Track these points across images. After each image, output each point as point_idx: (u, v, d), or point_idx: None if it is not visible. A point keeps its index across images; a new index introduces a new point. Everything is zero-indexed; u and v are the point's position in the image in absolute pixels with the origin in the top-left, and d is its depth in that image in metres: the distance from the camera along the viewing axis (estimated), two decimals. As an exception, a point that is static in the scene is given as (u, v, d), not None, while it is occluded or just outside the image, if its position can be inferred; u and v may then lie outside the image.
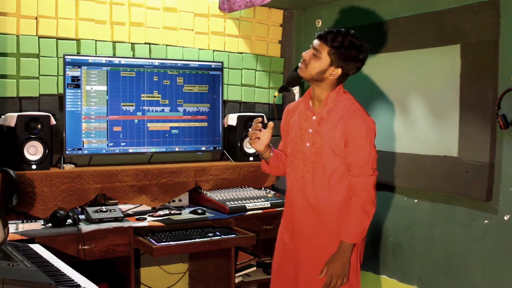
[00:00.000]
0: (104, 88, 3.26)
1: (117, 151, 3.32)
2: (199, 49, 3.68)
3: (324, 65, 2.34)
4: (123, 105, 3.33)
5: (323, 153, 2.37)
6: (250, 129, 2.46)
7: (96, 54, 3.30)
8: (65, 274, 2.00)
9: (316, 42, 2.36)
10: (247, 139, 3.60)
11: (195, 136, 3.57)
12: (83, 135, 3.21)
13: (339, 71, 2.36)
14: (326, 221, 2.39)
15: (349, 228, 2.33)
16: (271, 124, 2.43)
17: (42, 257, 2.25)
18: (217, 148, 3.66)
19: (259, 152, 2.52)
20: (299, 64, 2.41)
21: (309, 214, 2.42)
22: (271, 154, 2.53)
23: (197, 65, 3.55)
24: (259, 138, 2.44)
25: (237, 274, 3.30)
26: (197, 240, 2.98)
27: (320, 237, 2.40)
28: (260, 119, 2.40)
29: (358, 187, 2.33)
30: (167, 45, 3.56)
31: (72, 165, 3.17)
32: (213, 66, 3.61)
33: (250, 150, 3.63)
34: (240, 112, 3.84)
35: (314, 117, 2.42)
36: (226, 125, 3.71)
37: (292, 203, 2.49)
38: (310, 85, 2.45)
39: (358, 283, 2.45)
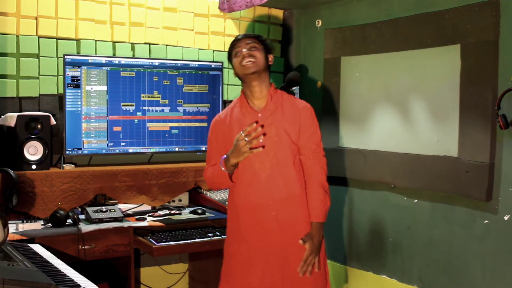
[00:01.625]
0: (104, 88, 3.26)
1: (117, 151, 3.32)
2: (199, 49, 3.68)
3: (264, 52, 2.46)
4: (123, 105, 3.33)
5: (282, 143, 2.42)
6: (246, 138, 2.29)
7: (96, 54, 3.30)
8: (65, 274, 2.00)
9: (242, 40, 2.46)
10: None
11: (195, 136, 3.57)
12: (83, 135, 3.21)
13: (272, 56, 2.51)
14: (292, 213, 2.42)
15: (318, 209, 2.44)
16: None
17: (42, 257, 2.25)
18: (217, 148, 3.66)
19: (234, 165, 2.38)
20: (243, 62, 2.41)
21: (274, 211, 2.41)
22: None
23: (197, 65, 3.55)
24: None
25: (237, 274, 3.30)
26: (197, 240, 2.98)
27: (293, 229, 2.43)
28: (255, 124, 2.31)
29: (316, 168, 2.47)
30: (167, 45, 3.56)
31: (72, 165, 3.17)
32: (213, 66, 3.61)
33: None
34: (240, 112, 3.83)
35: (260, 114, 2.45)
36: (226, 125, 3.71)
37: (253, 205, 2.43)
38: (246, 85, 2.47)
39: (327, 266, 2.55)
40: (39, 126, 2.98)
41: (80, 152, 3.21)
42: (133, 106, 3.36)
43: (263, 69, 2.45)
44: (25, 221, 2.81)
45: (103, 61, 3.26)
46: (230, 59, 2.52)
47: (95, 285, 1.91)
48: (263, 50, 2.46)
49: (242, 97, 2.52)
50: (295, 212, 2.44)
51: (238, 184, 2.47)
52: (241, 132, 2.30)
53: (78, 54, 3.25)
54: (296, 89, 3.57)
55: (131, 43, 3.44)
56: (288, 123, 2.44)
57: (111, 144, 3.30)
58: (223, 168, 2.40)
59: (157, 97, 3.43)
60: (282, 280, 2.43)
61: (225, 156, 2.40)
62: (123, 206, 3.20)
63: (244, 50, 2.43)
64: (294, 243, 2.41)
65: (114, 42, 3.38)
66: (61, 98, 3.20)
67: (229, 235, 2.57)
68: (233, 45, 2.49)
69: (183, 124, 3.53)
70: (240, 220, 2.48)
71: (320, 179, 2.46)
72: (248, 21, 3.86)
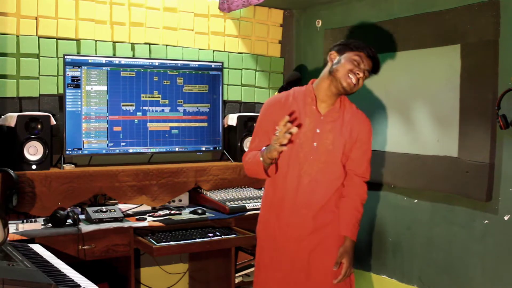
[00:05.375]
0: (104, 88, 3.26)
1: (117, 151, 3.32)
2: (199, 49, 3.68)
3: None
4: (123, 105, 3.33)
5: (335, 152, 2.37)
6: (277, 133, 2.13)
7: (96, 54, 3.30)
8: (65, 274, 2.00)
9: (367, 60, 2.33)
10: (247, 139, 3.61)
11: (195, 136, 3.57)
12: (83, 135, 3.21)
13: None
14: (326, 220, 2.40)
15: (354, 227, 2.43)
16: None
17: (42, 257, 2.24)
18: (217, 148, 3.66)
19: (272, 160, 2.26)
20: (352, 81, 2.29)
21: (310, 214, 2.39)
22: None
23: (197, 65, 3.55)
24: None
25: (237, 274, 3.30)
26: (197, 240, 2.98)
27: (323, 235, 2.41)
28: (288, 117, 2.14)
29: (361, 188, 2.48)
30: (167, 45, 3.56)
31: (72, 165, 3.17)
32: (213, 66, 3.61)
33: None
34: (240, 112, 3.84)
35: (322, 118, 2.38)
36: (226, 125, 3.71)
37: (291, 205, 2.39)
38: (329, 89, 2.35)
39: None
40: (39, 126, 2.98)
41: (80, 152, 3.21)
42: (133, 106, 3.36)
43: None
44: (25, 221, 2.81)
45: (103, 61, 3.26)
46: (342, 52, 2.35)
47: (95, 285, 1.91)
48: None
49: (311, 92, 2.40)
50: (325, 218, 2.41)
51: (278, 181, 2.41)
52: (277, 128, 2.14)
53: (78, 54, 3.25)
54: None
55: (131, 43, 3.44)
56: (346, 134, 2.39)
57: (111, 144, 3.30)
58: (261, 158, 2.28)
59: (157, 97, 3.43)
60: (306, 283, 2.42)
61: (264, 147, 2.29)
62: (123, 206, 3.20)
63: (360, 74, 2.31)
64: (320, 247, 2.40)
65: (114, 42, 3.38)
66: (61, 98, 3.20)
67: (260, 227, 2.53)
68: (361, 53, 2.32)
69: (183, 124, 3.53)
70: (272, 217, 2.46)
71: (360, 202, 2.46)
72: (248, 21, 3.86)
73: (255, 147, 2.43)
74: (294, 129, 2.12)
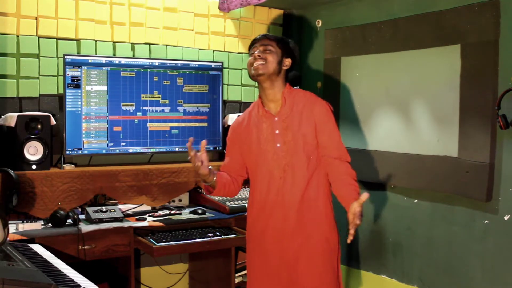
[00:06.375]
0: (104, 88, 3.26)
1: (117, 151, 3.32)
2: (199, 49, 3.68)
3: (279, 56, 2.43)
4: (123, 105, 3.33)
5: (298, 147, 2.41)
6: (189, 157, 2.28)
7: (96, 54, 3.30)
8: (65, 274, 2.00)
9: (259, 41, 2.44)
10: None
11: (195, 136, 3.56)
12: (83, 135, 3.21)
13: (289, 60, 2.46)
14: (306, 216, 2.41)
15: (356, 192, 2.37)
16: (204, 142, 2.34)
17: (42, 257, 2.25)
18: (217, 148, 3.66)
19: (203, 177, 2.38)
20: (254, 64, 2.40)
21: (290, 213, 2.41)
22: (215, 177, 2.43)
23: (197, 65, 3.55)
24: (202, 161, 2.31)
25: (237, 274, 3.30)
26: (197, 240, 2.98)
27: (306, 232, 2.42)
28: (192, 138, 2.29)
29: (344, 167, 2.43)
30: (167, 45, 3.56)
31: (72, 165, 3.17)
32: (213, 66, 3.61)
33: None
34: (240, 112, 3.84)
35: (276, 118, 2.44)
36: (226, 125, 3.71)
37: (270, 208, 2.44)
38: (260, 87, 2.46)
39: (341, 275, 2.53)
40: (39, 126, 2.98)
41: (80, 152, 3.21)
42: (133, 106, 3.36)
43: (274, 72, 2.41)
44: (25, 221, 2.81)
45: (103, 61, 3.26)
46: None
47: (95, 285, 1.91)
48: (279, 54, 2.42)
49: (258, 101, 2.51)
50: (308, 214, 2.42)
51: (257, 190, 2.49)
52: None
53: (78, 54, 3.25)
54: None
55: (131, 43, 3.44)
56: (304, 124, 2.42)
57: (111, 144, 3.30)
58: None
59: (157, 97, 3.43)
60: (293, 283, 2.42)
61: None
62: (123, 206, 3.20)
63: (257, 52, 2.41)
64: (305, 245, 2.42)
65: (114, 42, 3.38)
66: (61, 98, 3.20)
67: (247, 229, 2.61)
68: (251, 44, 2.48)
69: (183, 124, 3.53)
70: (254, 220, 2.53)
71: (351, 174, 2.41)
72: (248, 21, 3.86)
73: (226, 165, 2.61)
74: (193, 152, 2.27)
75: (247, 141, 2.50)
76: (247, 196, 3.43)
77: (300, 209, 2.41)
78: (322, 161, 2.45)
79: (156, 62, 3.42)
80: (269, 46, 2.42)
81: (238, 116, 2.66)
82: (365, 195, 2.27)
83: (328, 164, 2.44)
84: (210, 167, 2.38)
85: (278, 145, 2.42)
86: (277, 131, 2.43)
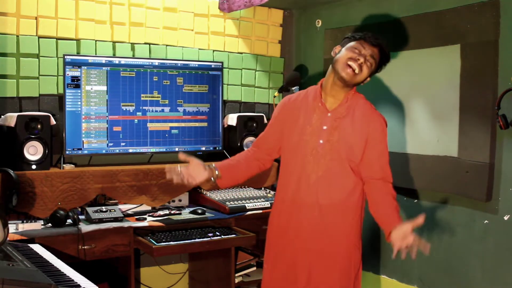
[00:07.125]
0: (104, 88, 3.26)
1: (117, 151, 3.32)
2: (199, 49, 3.68)
3: (372, 71, 2.32)
4: (123, 105, 3.33)
5: (340, 150, 2.30)
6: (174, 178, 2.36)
7: (96, 54, 3.30)
8: (65, 274, 2.00)
9: (369, 45, 2.28)
10: (247, 139, 3.61)
11: (195, 136, 3.57)
12: (83, 135, 3.21)
13: (369, 78, 2.36)
14: (333, 221, 2.33)
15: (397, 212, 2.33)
16: (181, 155, 2.36)
17: (42, 257, 2.25)
18: (217, 148, 3.66)
19: (202, 182, 2.38)
20: (351, 66, 2.25)
21: (316, 214, 2.33)
22: (217, 172, 2.40)
23: (197, 65, 3.55)
24: (191, 176, 2.34)
25: (237, 274, 3.30)
26: (197, 240, 2.98)
27: (329, 238, 2.35)
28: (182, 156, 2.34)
29: (386, 188, 2.36)
30: (167, 45, 3.56)
31: (72, 165, 3.17)
32: (213, 66, 3.61)
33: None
34: (240, 112, 3.84)
35: (329, 114, 2.34)
36: (226, 125, 3.71)
37: (297, 203, 2.36)
38: (332, 80, 2.33)
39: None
40: (39, 126, 2.98)
41: (80, 152, 3.21)
42: (133, 106, 3.36)
43: (356, 83, 2.32)
44: (25, 221, 2.80)
45: (103, 61, 3.26)
46: (345, 44, 2.33)
47: (95, 285, 1.91)
48: (373, 68, 2.31)
49: (319, 89, 2.39)
50: (335, 220, 2.34)
51: (286, 179, 2.41)
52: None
53: (78, 54, 3.25)
54: (296, 89, 3.57)
55: (131, 43, 3.44)
56: (356, 134, 2.31)
57: (111, 144, 3.30)
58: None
59: (157, 97, 3.43)
60: (307, 284, 2.37)
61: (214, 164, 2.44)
62: (123, 206, 3.20)
63: (361, 59, 2.26)
64: (325, 250, 2.34)
65: (114, 42, 3.38)
66: (61, 98, 3.20)
67: (270, 222, 2.53)
68: (360, 39, 2.30)
69: (183, 124, 3.53)
70: (280, 214, 2.44)
71: (392, 194, 2.34)
72: (248, 21, 3.86)
73: (260, 139, 2.57)
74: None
75: (291, 125, 2.39)
76: (247, 196, 3.44)
77: (332, 214, 2.32)
78: (364, 181, 2.36)
79: (156, 62, 3.42)
80: (373, 58, 2.28)
81: (289, 96, 2.54)
82: (421, 219, 2.17)
83: (370, 185, 2.35)
84: (208, 165, 2.38)
85: (321, 141, 2.32)
86: (324, 127, 2.33)
